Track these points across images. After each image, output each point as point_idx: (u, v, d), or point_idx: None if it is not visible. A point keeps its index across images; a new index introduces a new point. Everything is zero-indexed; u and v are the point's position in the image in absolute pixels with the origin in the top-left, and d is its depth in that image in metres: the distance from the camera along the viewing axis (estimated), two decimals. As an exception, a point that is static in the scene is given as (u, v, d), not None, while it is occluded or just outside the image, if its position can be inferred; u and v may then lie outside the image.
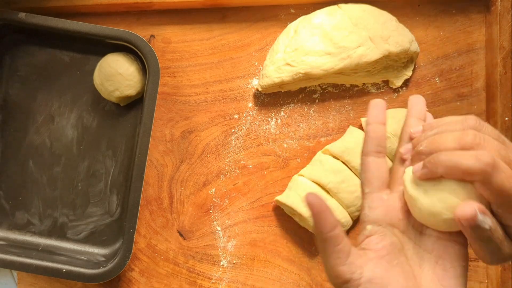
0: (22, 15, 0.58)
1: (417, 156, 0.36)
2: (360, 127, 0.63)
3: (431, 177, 0.35)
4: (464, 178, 0.33)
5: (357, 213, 0.60)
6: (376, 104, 0.39)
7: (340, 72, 0.60)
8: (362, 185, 0.39)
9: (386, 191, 0.39)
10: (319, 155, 0.62)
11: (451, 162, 0.33)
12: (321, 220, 0.34)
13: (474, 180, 0.33)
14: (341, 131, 0.64)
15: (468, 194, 0.34)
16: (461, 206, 0.33)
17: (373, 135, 0.38)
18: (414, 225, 0.38)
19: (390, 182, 0.39)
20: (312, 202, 0.34)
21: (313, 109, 0.64)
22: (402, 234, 0.38)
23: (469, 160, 0.32)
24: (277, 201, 0.61)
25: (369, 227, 0.38)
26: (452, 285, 0.35)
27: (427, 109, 0.42)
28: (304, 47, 0.59)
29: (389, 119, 0.58)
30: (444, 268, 0.36)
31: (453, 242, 0.37)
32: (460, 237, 0.37)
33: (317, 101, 0.64)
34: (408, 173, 0.37)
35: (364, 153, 0.39)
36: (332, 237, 0.35)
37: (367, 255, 0.36)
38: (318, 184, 0.60)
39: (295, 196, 0.59)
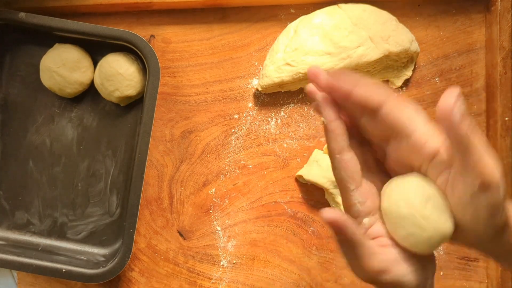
0: (22, 15, 0.58)
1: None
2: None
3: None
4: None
5: None
6: (325, 101, 0.38)
7: (340, 72, 0.60)
8: (345, 182, 0.38)
9: (365, 182, 0.39)
10: (315, 154, 0.62)
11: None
12: (346, 234, 0.35)
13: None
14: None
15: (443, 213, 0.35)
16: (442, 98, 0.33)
17: (338, 132, 0.38)
18: None
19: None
20: (331, 216, 0.35)
21: (313, 109, 0.64)
22: None
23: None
24: (299, 176, 0.62)
25: (365, 220, 0.38)
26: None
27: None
28: (304, 47, 0.59)
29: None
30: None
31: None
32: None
33: (317, 101, 0.64)
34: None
35: (337, 151, 0.38)
36: (360, 239, 0.36)
37: (381, 242, 0.37)
38: (316, 184, 0.60)
39: (316, 170, 0.60)
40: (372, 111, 0.37)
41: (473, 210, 0.34)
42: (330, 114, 0.38)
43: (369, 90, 0.36)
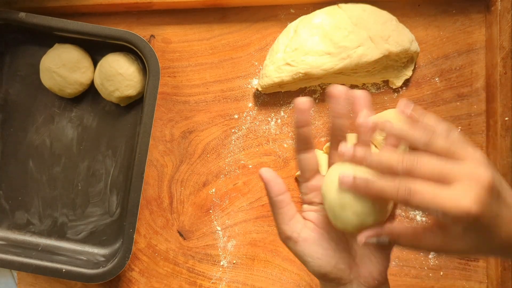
0: (22, 15, 0.58)
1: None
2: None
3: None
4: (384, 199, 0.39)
5: None
6: (300, 109, 0.44)
7: (340, 72, 0.60)
8: (298, 176, 0.47)
9: (316, 178, 0.45)
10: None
11: (377, 186, 0.38)
12: (270, 186, 0.43)
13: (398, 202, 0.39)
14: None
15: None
16: (359, 236, 0.40)
17: (301, 137, 0.44)
18: None
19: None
20: (263, 173, 0.43)
21: (313, 109, 0.64)
22: None
23: (389, 189, 0.37)
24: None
25: (305, 206, 0.46)
26: (376, 270, 0.43)
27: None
28: (304, 47, 0.59)
29: (389, 120, 0.58)
30: (374, 254, 0.43)
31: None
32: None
33: (317, 101, 0.64)
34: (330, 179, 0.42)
35: (296, 151, 0.45)
36: (278, 201, 0.43)
37: (307, 223, 0.44)
38: None
39: None
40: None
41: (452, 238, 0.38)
42: (299, 121, 0.44)
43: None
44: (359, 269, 0.43)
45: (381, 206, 0.40)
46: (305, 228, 0.44)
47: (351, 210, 0.40)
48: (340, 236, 0.44)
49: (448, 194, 0.35)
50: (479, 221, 0.35)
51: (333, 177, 0.41)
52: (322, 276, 0.43)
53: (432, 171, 0.36)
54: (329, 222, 0.43)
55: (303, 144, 0.44)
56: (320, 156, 0.61)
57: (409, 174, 0.37)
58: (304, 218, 0.44)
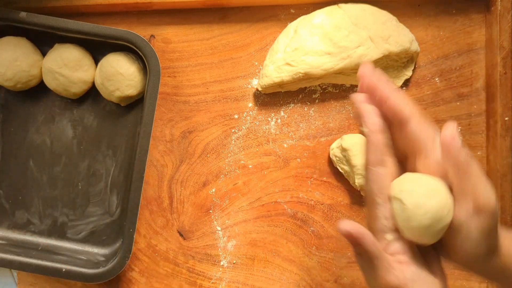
0: (23, 14, 0.58)
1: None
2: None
3: None
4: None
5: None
6: (371, 111, 0.39)
7: (340, 72, 0.60)
8: (374, 196, 0.39)
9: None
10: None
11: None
12: (365, 246, 0.37)
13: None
14: (341, 131, 0.64)
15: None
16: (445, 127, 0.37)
17: (379, 144, 0.39)
18: None
19: None
20: (346, 231, 0.36)
21: (313, 109, 0.64)
22: None
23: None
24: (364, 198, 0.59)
25: (389, 236, 0.39)
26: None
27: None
28: (304, 47, 0.59)
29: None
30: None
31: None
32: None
33: (317, 101, 0.64)
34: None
35: (371, 163, 0.39)
36: (378, 254, 0.37)
37: (399, 259, 0.38)
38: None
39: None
40: (401, 123, 0.39)
41: (465, 231, 0.37)
42: (374, 124, 0.39)
43: (403, 101, 0.39)
44: None
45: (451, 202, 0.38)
46: (403, 266, 0.38)
47: (440, 216, 0.37)
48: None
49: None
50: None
51: (407, 184, 0.38)
52: None
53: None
54: (412, 245, 0.39)
55: (380, 154, 0.39)
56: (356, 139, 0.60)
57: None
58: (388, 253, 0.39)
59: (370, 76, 0.40)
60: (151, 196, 0.64)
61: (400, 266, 0.38)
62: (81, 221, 0.63)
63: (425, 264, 0.40)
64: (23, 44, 0.60)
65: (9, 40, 0.60)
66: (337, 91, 0.64)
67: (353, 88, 0.64)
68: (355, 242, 0.37)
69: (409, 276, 0.37)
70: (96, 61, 0.62)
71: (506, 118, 0.60)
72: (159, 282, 0.63)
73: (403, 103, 0.39)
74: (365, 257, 0.37)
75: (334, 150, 0.61)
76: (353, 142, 0.59)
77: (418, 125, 0.39)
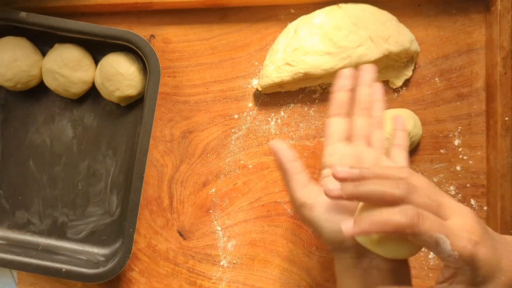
0: (23, 14, 0.58)
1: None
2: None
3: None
4: (396, 232, 0.35)
5: None
6: (344, 75, 0.50)
7: (340, 72, 0.60)
8: (325, 140, 0.49)
9: (344, 142, 0.48)
10: None
11: (382, 219, 0.35)
12: (281, 153, 0.45)
13: (405, 233, 0.35)
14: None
15: None
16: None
17: (337, 101, 0.49)
18: None
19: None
20: (274, 143, 0.46)
21: (313, 109, 0.64)
22: None
23: (397, 216, 0.35)
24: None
25: (326, 171, 0.46)
26: None
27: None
28: (304, 46, 0.59)
29: (388, 120, 0.58)
30: None
31: None
32: None
33: (317, 101, 0.64)
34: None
35: (328, 115, 0.49)
36: (290, 168, 0.44)
37: (327, 185, 0.43)
38: None
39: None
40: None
41: None
42: (338, 86, 0.51)
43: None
44: None
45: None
46: (321, 195, 0.43)
47: (384, 247, 0.38)
48: (356, 203, 0.42)
49: (450, 224, 0.35)
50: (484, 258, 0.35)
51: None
52: (339, 245, 0.41)
53: (429, 203, 0.36)
54: None
55: (337, 108, 0.47)
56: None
57: (407, 200, 0.35)
58: (321, 185, 0.44)
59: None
60: (151, 196, 0.64)
61: (319, 191, 0.43)
62: (81, 221, 0.63)
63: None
64: (23, 44, 0.60)
65: (9, 40, 0.60)
66: (337, 91, 0.64)
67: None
68: (274, 154, 0.45)
69: (320, 201, 0.42)
70: (96, 61, 0.62)
71: (506, 118, 0.60)
72: (159, 282, 0.63)
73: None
74: (282, 173, 0.45)
75: None
76: None
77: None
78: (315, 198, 0.43)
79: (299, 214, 0.44)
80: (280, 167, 0.45)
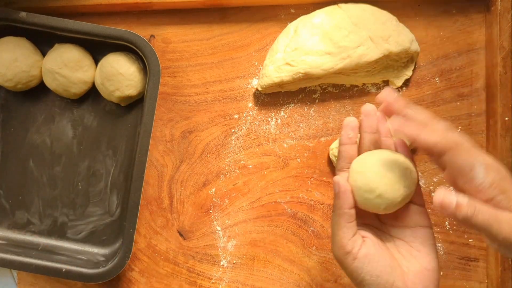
0: (23, 14, 0.58)
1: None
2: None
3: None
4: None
5: None
6: (348, 124, 0.48)
7: (340, 72, 0.60)
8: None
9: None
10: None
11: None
12: (346, 197, 0.44)
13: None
14: (341, 131, 0.63)
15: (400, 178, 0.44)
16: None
17: (345, 155, 0.48)
18: (385, 222, 0.48)
19: None
20: (340, 181, 0.44)
21: (313, 109, 0.64)
22: (378, 230, 0.48)
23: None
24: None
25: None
26: (427, 262, 0.44)
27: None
28: (304, 47, 0.59)
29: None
30: (417, 249, 0.45)
31: (417, 227, 0.46)
32: (422, 221, 0.46)
33: (317, 101, 0.64)
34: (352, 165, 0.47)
35: (337, 170, 0.48)
36: (347, 214, 0.44)
37: (365, 240, 0.45)
38: None
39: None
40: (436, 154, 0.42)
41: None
42: (344, 138, 0.49)
43: (433, 138, 0.42)
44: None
45: (407, 181, 0.44)
46: (364, 244, 0.44)
47: (378, 192, 0.43)
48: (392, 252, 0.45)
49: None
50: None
51: (358, 165, 0.45)
52: None
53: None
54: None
55: (347, 163, 0.47)
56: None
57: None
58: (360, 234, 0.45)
59: (396, 108, 0.45)
60: (151, 196, 0.64)
61: (362, 241, 0.44)
62: (81, 221, 0.63)
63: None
64: (23, 44, 0.60)
65: (9, 40, 0.60)
66: (337, 91, 0.64)
67: (353, 88, 0.64)
68: (339, 193, 0.44)
69: (363, 251, 0.44)
70: (96, 61, 0.62)
71: (506, 118, 0.60)
72: (159, 282, 0.63)
73: (434, 139, 0.42)
74: (337, 212, 0.44)
75: (334, 150, 0.61)
76: None
77: (453, 157, 0.41)
78: (360, 248, 0.44)
79: (341, 261, 0.45)
80: (338, 210, 0.44)
